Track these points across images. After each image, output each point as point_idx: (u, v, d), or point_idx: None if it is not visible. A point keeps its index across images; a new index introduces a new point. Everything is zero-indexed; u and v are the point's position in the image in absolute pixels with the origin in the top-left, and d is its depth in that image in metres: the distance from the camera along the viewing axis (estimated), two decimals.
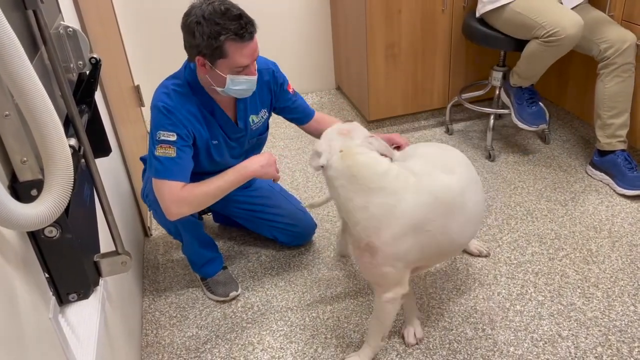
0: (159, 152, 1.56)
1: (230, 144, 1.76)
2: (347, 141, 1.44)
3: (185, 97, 1.60)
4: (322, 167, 1.44)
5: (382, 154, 1.44)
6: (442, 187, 1.38)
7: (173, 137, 1.56)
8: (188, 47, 1.52)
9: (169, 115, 1.56)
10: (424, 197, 1.35)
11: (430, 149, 1.54)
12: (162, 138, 1.56)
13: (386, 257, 1.38)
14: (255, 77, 1.57)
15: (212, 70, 1.52)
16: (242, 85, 1.56)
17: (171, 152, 1.55)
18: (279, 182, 2.13)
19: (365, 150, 1.42)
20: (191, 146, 1.61)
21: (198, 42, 1.47)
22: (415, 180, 1.37)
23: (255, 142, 1.87)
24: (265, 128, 1.86)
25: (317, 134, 1.76)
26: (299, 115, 1.87)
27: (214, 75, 1.54)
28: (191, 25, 1.46)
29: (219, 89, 1.57)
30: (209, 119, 1.67)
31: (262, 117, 1.80)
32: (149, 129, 1.61)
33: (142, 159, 1.95)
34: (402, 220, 1.34)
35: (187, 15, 1.48)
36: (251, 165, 1.66)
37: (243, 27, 1.46)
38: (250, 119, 1.76)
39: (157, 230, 2.27)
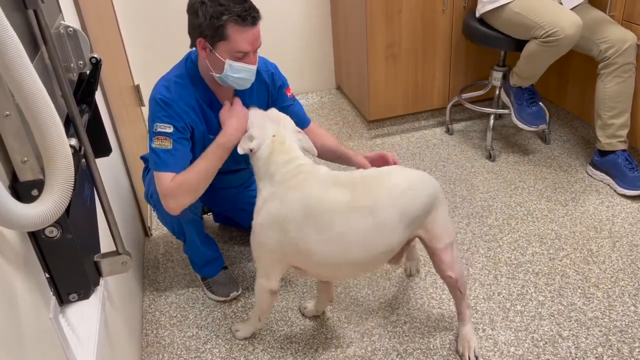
0: (156, 144, 1.55)
1: None
2: (280, 129, 1.52)
3: (184, 89, 1.59)
4: (251, 150, 1.51)
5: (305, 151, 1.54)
6: (315, 200, 1.38)
7: (169, 129, 1.55)
8: (191, 29, 1.52)
9: (165, 108, 1.55)
10: (296, 201, 1.39)
11: (391, 174, 1.45)
12: (159, 130, 1.55)
13: (255, 241, 1.48)
14: (255, 67, 1.55)
15: (212, 53, 1.51)
16: (240, 73, 1.53)
17: (167, 144, 1.55)
18: None
19: (294, 141, 1.52)
20: (189, 139, 1.60)
21: (200, 21, 1.46)
22: (303, 183, 1.41)
23: None
24: None
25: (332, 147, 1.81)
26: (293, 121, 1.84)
27: (213, 59, 1.52)
28: (195, 5, 1.47)
29: (216, 75, 1.55)
30: (207, 112, 1.65)
31: None
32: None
33: (143, 158, 1.94)
34: (270, 212, 1.42)
35: None
36: (225, 133, 1.56)
37: (247, 10, 1.47)
38: None
39: (157, 230, 2.27)
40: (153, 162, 1.57)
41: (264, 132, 1.51)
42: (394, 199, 1.39)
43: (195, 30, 1.50)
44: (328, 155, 1.82)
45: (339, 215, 1.36)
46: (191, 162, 1.59)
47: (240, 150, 1.52)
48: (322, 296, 1.75)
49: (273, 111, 1.62)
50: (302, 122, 1.83)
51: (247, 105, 1.67)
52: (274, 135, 1.50)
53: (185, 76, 1.61)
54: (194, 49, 1.60)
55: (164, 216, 1.76)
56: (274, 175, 1.45)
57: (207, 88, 1.64)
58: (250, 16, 1.47)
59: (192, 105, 1.60)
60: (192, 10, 1.49)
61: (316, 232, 1.37)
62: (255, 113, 1.59)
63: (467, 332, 1.62)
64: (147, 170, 1.84)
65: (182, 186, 1.55)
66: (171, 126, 1.55)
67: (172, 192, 1.54)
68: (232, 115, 1.58)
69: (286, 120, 1.58)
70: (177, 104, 1.56)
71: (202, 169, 1.56)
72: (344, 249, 1.38)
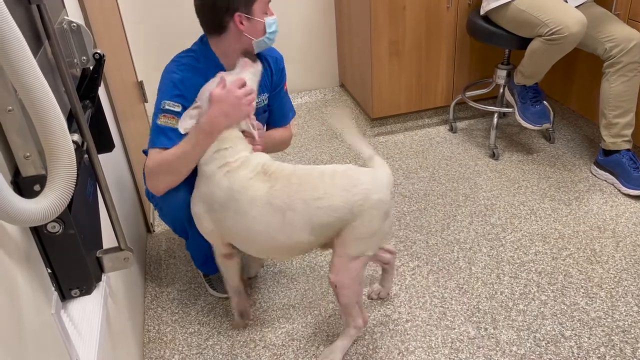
0: (162, 120, 1.52)
1: None
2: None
3: (196, 70, 1.58)
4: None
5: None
6: (239, 185, 1.42)
7: (178, 108, 1.52)
8: (219, 13, 1.51)
9: (178, 85, 1.53)
10: (224, 185, 1.43)
11: (325, 176, 1.42)
12: (167, 107, 1.52)
13: (192, 210, 1.54)
14: (275, 15, 1.60)
15: (250, 20, 1.53)
16: (274, 26, 1.59)
17: (174, 122, 1.52)
18: None
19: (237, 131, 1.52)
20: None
21: (243, 1, 1.49)
22: (236, 168, 1.44)
23: None
24: (261, 113, 1.81)
25: (277, 141, 1.81)
26: (279, 114, 1.84)
27: (253, 26, 1.54)
28: None
29: (257, 40, 1.57)
30: None
31: (262, 100, 1.79)
32: (152, 114, 1.58)
33: (145, 152, 1.93)
34: (201, 191, 1.49)
35: None
36: (210, 116, 1.44)
37: None
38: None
39: (159, 226, 2.27)
40: (154, 138, 1.53)
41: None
42: (308, 206, 1.38)
43: (229, 10, 1.50)
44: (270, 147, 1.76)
45: (255, 205, 1.41)
46: None
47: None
48: (252, 262, 1.84)
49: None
50: (285, 118, 1.84)
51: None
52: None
53: (198, 57, 1.61)
54: (197, 40, 1.61)
55: (166, 214, 1.76)
56: (218, 156, 1.45)
57: (221, 67, 1.63)
58: None
59: (202, 85, 1.58)
60: None
61: (233, 215, 1.43)
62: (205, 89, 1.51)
63: (334, 347, 1.60)
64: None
65: (161, 165, 1.50)
66: (180, 105, 1.53)
67: (151, 169, 1.52)
68: (225, 99, 1.44)
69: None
70: (189, 82, 1.55)
71: (180, 150, 1.47)
72: (252, 237, 1.45)
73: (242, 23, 1.54)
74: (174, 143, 1.51)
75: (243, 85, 1.50)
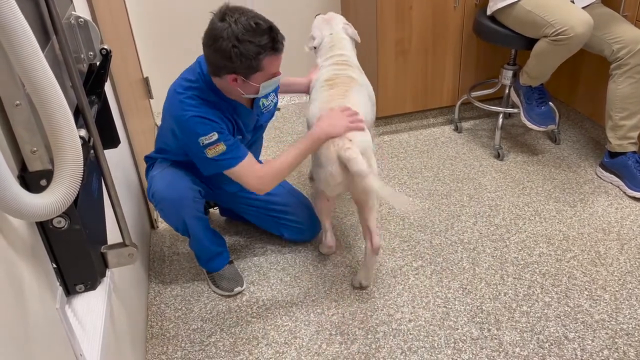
0: (211, 154, 1.58)
1: (247, 135, 1.77)
2: (333, 27, 2.05)
3: (210, 104, 1.60)
4: (315, 47, 2.06)
5: (351, 38, 2.07)
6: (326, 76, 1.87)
7: (215, 137, 1.57)
8: (221, 66, 1.51)
9: (202, 121, 1.57)
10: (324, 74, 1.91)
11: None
12: (206, 142, 1.57)
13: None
14: (280, 75, 1.60)
15: (245, 82, 1.53)
16: (271, 86, 1.60)
17: (221, 147, 1.58)
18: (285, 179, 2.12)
19: (345, 35, 2.05)
20: (232, 136, 1.63)
21: (236, 65, 1.47)
22: (339, 64, 1.92)
23: (264, 126, 1.89)
24: (273, 112, 1.89)
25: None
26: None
27: (246, 86, 1.55)
28: (226, 49, 1.44)
29: (248, 96, 1.60)
30: (236, 118, 1.68)
31: (271, 100, 1.83)
32: (159, 122, 1.61)
33: (147, 158, 1.92)
34: (316, 79, 1.93)
35: (214, 37, 1.45)
36: (321, 130, 1.64)
37: (277, 40, 1.48)
38: (261, 103, 1.79)
39: (163, 222, 2.28)
40: (220, 165, 1.60)
41: (321, 33, 2.05)
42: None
43: (227, 69, 1.50)
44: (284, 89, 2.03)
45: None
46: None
47: (306, 49, 2.08)
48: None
49: (329, 14, 2.09)
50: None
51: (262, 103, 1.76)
52: (331, 34, 2.03)
53: (204, 89, 1.60)
54: (200, 57, 1.62)
55: (168, 215, 1.77)
56: (328, 60, 1.96)
57: (227, 99, 1.65)
58: (281, 44, 1.50)
59: (219, 116, 1.61)
60: (221, 54, 1.46)
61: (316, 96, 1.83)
62: (318, 19, 2.10)
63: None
64: (150, 169, 1.84)
65: (276, 174, 1.65)
66: (215, 133, 1.58)
67: (262, 177, 1.63)
68: (333, 116, 1.66)
69: (336, 18, 2.08)
70: (210, 115, 1.58)
71: (292, 157, 1.66)
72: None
73: (235, 81, 1.53)
74: (241, 155, 1.62)
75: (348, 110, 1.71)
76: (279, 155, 1.68)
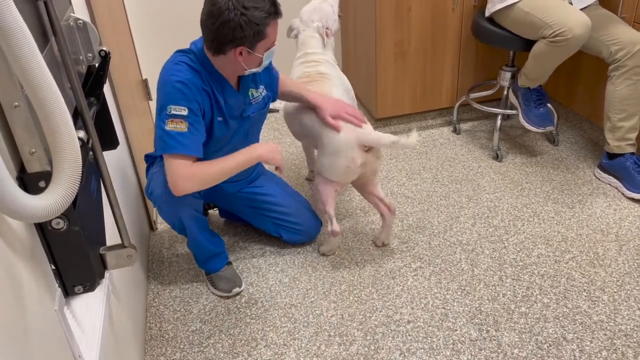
0: (170, 126, 1.54)
1: (230, 121, 1.74)
2: (308, 24, 2.14)
3: (197, 73, 1.59)
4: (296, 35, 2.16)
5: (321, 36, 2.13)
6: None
7: (184, 112, 1.54)
8: (227, 41, 1.51)
9: (182, 89, 1.54)
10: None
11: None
12: (173, 112, 1.54)
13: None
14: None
15: (250, 54, 1.55)
16: (270, 57, 1.62)
17: (182, 126, 1.54)
18: (284, 180, 2.12)
19: (315, 34, 2.13)
20: (202, 120, 1.61)
21: (246, 34, 1.49)
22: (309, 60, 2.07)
23: (253, 120, 1.83)
24: (263, 106, 1.84)
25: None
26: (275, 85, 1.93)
27: (251, 59, 1.57)
28: (234, 19, 1.46)
29: (250, 71, 1.61)
30: (218, 97, 1.66)
31: (260, 93, 1.80)
32: (156, 106, 1.59)
33: (147, 157, 1.93)
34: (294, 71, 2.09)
35: (218, 11, 1.47)
36: (259, 148, 1.70)
37: (277, 4, 1.53)
38: (250, 92, 1.77)
39: (162, 224, 2.28)
40: (166, 145, 1.55)
41: (298, 26, 2.16)
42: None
43: (234, 42, 1.51)
44: (286, 97, 1.96)
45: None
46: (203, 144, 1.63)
47: (287, 35, 2.17)
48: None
49: (319, 3, 2.14)
50: (276, 78, 1.91)
51: (249, 79, 1.75)
52: (304, 30, 2.13)
53: (196, 61, 1.61)
54: (196, 41, 1.62)
55: (166, 213, 1.76)
56: (298, 59, 2.10)
57: (219, 76, 1.65)
58: (279, 7, 1.53)
59: (204, 88, 1.60)
60: (229, 26, 1.47)
61: None
62: (309, 6, 2.16)
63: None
64: (150, 167, 1.84)
65: (199, 175, 1.58)
66: (186, 109, 1.54)
67: (188, 176, 1.57)
68: (271, 147, 1.72)
69: (322, 11, 2.13)
70: (192, 86, 1.56)
71: (224, 166, 1.62)
72: None
73: (241, 54, 1.55)
74: (190, 149, 1.55)
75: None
76: (212, 162, 1.63)
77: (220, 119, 1.69)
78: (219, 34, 1.50)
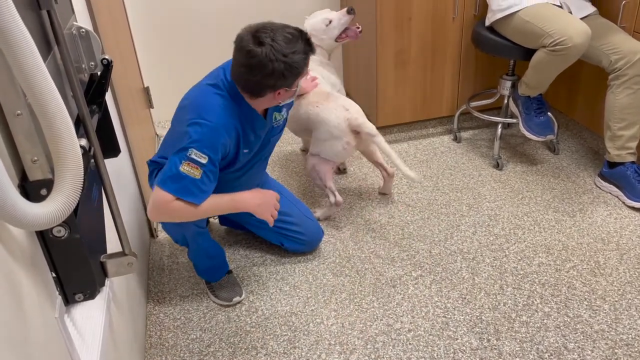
0: (184, 168, 1.49)
1: (255, 151, 1.74)
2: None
3: (229, 112, 1.56)
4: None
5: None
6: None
7: (204, 160, 1.50)
8: (268, 87, 1.52)
9: (210, 136, 1.50)
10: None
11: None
12: (193, 157, 1.49)
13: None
14: None
15: (288, 91, 1.56)
16: (300, 87, 1.64)
17: (196, 173, 1.50)
18: (287, 189, 2.13)
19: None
20: (217, 171, 1.57)
21: (288, 80, 1.50)
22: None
23: (272, 143, 1.85)
24: (282, 128, 1.86)
25: None
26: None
27: (287, 95, 1.58)
28: (279, 69, 1.46)
29: (283, 103, 1.63)
30: (247, 129, 1.64)
31: (282, 115, 1.81)
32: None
33: (150, 162, 1.93)
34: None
35: (262, 64, 1.45)
36: (251, 199, 1.65)
37: (309, 40, 1.53)
38: (273, 116, 1.76)
39: (163, 232, 2.28)
40: (173, 184, 1.50)
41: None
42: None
43: (274, 87, 1.52)
44: None
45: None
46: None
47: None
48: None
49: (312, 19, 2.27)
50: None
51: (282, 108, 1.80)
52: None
53: (228, 97, 1.57)
54: (226, 65, 1.62)
55: (170, 228, 1.76)
56: None
57: (250, 109, 1.63)
58: (311, 41, 1.56)
59: (234, 127, 1.57)
60: (275, 75, 1.47)
61: None
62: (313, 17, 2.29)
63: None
64: (153, 175, 1.84)
65: (179, 212, 1.53)
66: (207, 157, 1.50)
67: (166, 210, 1.53)
68: (265, 199, 1.68)
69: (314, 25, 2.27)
70: (221, 133, 1.52)
71: (207, 207, 1.56)
72: None
73: (279, 94, 1.56)
74: (196, 198, 1.52)
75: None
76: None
77: (246, 150, 1.68)
78: (261, 84, 1.51)
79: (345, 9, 2.24)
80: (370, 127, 2.05)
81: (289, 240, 2.02)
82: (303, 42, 1.50)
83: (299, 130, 2.25)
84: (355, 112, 2.07)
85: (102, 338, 1.10)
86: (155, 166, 1.85)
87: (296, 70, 1.50)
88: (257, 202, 1.66)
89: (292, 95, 1.61)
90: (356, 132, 2.08)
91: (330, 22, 2.24)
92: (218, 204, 1.60)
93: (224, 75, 1.60)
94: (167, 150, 1.74)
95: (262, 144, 1.77)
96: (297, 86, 1.58)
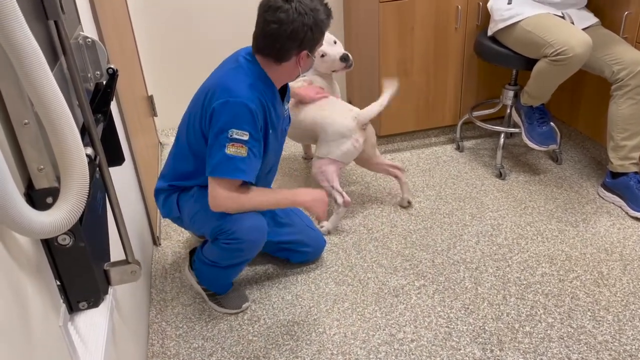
0: (231, 150, 1.54)
1: (279, 134, 1.78)
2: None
3: (255, 88, 1.60)
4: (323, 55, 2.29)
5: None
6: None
7: (246, 137, 1.55)
8: (294, 46, 1.57)
9: (249, 114, 1.55)
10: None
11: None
12: (235, 136, 1.54)
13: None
14: None
15: (309, 57, 1.63)
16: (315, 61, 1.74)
17: (243, 151, 1.56)
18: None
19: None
20: (261, 141, 1.62)
21: (315, 36, 1.57)
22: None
23: (284, 133, 1.88)
24: (289, 121, 1.91)
25: None
26: None
27: (307, 63, 1.65)
28: (308, 22, 1.54)
29: (301, 72, 1.68)
30: (270, 106, 1.67)
31: (287, 108, 1.84)
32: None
33: (156, 191, 1.87)
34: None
35: (289, 18, 1.52)
36: (305, 194, 1.75)
37: (327, 4, 1.61)
38: (285, 106, 1.82)
39: (166, 239, 2.28)
40: (226, 168, 1.55)
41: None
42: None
43: (301, 46, 1.58)
44: None
45: None
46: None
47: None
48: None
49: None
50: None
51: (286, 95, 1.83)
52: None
53: (256, 78, 1.62)
54: (241, 51, 1.67)
55: (238, 252, 1.72)
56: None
57: (274, 87, 1.68)
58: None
59: (260, 101, 1.62)
60: (305, 30, 1.54)
61: None
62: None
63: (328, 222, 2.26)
64: (182, 195, 1.80)
65: (242, 200, 1.61)
66: (247, 133, 1.56)
67: (232, 197, 1.59)
68: (319, 196, 1.77)
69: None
70: (254, 108, 1.57)
71: (265, 200, 1.68)
72: None
73: (302, 58, 1.61)
74: (247, 174, 1.58)
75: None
76: (257, 191, 1.67)
77: (271, 131, 1.71)
78: (290, 40, 1.55)
79: (340, 54, 2.26)
80: (374, 105, 2.13)
81: (294, 253, 2.02)
82: (323, 5, 1.59)
83: (305, 136, 2.29)
84: (357, 110, 2.17)
85: (105, 346, 1.10)
86: (178, 188, 1.80)
87: (321, 28, 1.57)
88: (312, 197, 1.75)
89: (311, 64, 1.69)
90: (363, 128, 2.16)
91: (324, 55, 2.28)
92: (277, 198, 1.73)
93: (241, 58, 1.65)
94: (183, 165, 1.75)
95: (282, 132, 1.82)
96: (315, 55, 1.65)
